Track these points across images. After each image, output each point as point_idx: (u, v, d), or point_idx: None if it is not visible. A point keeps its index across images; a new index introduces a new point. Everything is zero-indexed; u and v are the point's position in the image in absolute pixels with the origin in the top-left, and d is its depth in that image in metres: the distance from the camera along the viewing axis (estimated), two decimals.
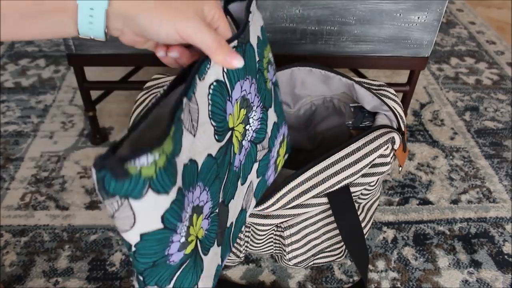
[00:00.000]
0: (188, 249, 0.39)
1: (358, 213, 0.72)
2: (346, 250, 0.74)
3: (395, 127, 0.66)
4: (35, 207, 0.89)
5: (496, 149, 1.07)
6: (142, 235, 0.33)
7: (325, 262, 0.77)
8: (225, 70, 0.41)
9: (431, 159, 1.03)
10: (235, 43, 0.42)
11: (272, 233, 0.71)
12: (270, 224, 0.67)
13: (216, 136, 0.41)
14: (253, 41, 0.47)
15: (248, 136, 0.49)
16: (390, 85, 0.95)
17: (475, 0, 1.78)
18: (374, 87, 0.71)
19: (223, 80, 0.41)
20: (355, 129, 0.71)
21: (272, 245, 0.73)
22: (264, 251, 0.75)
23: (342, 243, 0.73)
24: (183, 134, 0.35)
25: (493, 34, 1.55)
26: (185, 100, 0.35)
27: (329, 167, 0.61)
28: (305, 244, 0.70)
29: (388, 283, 0.77)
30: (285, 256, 0.72)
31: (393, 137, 0.62)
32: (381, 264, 0.80)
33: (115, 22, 0.38)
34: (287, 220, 0.68)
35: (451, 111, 1.19)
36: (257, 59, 0.48)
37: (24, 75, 1.27)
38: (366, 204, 0.73)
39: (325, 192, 0.62)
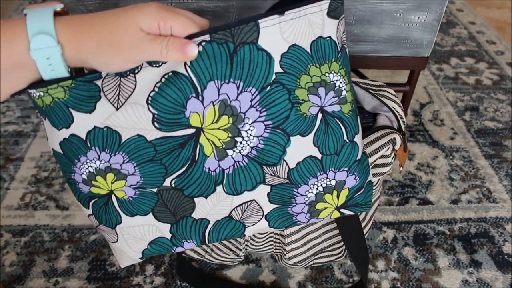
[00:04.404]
0: (95, 190, 0.48)
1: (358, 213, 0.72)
2: (346, 250, 0.74)
3: (395, 127, 0.66)
4: (35, 207, 0.89)
5: (496, 149, 1.07)
6: (52, 149, 0.46)
7: (325, 262, 0.77)
8: (188, 63, 0.42)
9: (431, 159, 1.03)
10: (206, 37, 0.41)
11: (273, 232, 0.71)
12: None
13: (156, 124, 0.44)
14: (274, 48, 0.43)
15: (242, 150, 0.46)
16: (390, 85, 0.95)
17: (475, 0, 1.78)
18: (373, 88, 0.71)
19: (186, 74, 0.42)
20: None
21: (272, 244, 0.73)
22: (264, 250, 0.75)
23: (342, 243, 0.73)
24: (99, 100, 0.43)
25: (493, 34, 1.55)
26: (111, 73, 0.42)
27: None
28: (305, 244, 0.70)
29: (388, 283, 0.77)
30: (285, 255, 0.72)
31: (395, 138, 0.62)
32: (381, 264, 0.80)
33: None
34: None
35: (451, 111, 1.19)
36: (277, 70, 0.43)
37: None
38: None
39: None
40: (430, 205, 0.92)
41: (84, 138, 0.44)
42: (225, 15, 0.81)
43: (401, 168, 0.67)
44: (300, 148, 0.47)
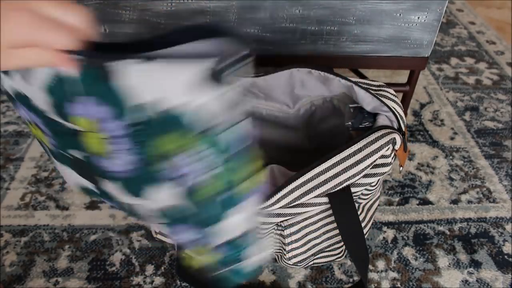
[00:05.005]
0: (33, 131, 0.52)
1: (358, 213, 0.72)
2: (346, 250, 0.75)
3: (395, 127, 0.66)
4: (35, 207, 0.89)
5: (496, 149, 1.07)
6: None
7: (325, 262, 0.77)
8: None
9: (431, 159, 1.03)
10: (76, 57, 0.36)
11: (273, 232, 0.71)
12: (271, 223, 0.67)
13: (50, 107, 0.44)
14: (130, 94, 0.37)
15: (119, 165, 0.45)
16: (390, 85, 0.95)
17: (475, 0, 1.78)
18: (373, 88, 0.71)
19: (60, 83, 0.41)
20: (355, 130, 0.71)
21: (272, 244, 0.73)
22: None
23: (342, 243, 0.73)
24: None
25: (493, 34, 1.55)
26: None
27: (331, 168, 0.61)
28: (305, 244, 0.70)
29: (388, 283, 0.77)
30: (285, 255, 0.72)
31: (394, 138, 0.62)
32: (381, 264, 0.80)
33: None
34: (288, 219, 0.68)
35: (451, 111, 1.19)
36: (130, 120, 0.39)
37: None
38: (366, 204, 0.73)
39: (327, 193, 0.62)
40: (430, 205, 0.92)
41: (11, 94, 0.47)
42: (225, 15, 0.81)
43: (401, 168, 0.67)
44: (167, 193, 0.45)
